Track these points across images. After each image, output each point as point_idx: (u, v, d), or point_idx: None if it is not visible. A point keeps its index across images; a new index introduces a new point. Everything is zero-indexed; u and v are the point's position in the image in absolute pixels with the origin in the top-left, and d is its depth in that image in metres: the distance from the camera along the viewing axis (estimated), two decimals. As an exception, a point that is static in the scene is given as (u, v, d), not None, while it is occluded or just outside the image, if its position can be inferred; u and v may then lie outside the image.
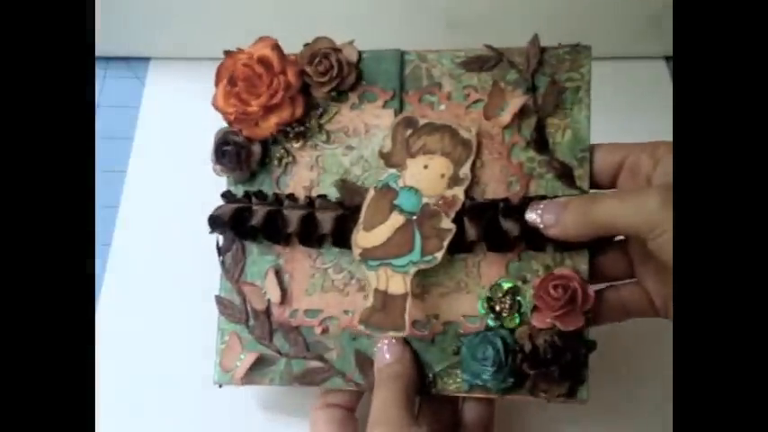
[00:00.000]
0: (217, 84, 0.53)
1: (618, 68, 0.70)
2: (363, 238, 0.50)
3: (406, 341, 0.50)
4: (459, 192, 0.49)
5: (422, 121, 0.51)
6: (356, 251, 0.50)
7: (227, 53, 0.52)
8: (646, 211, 0.42)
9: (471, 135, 0.50)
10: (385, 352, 0.50)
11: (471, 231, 0.49)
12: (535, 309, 0.49)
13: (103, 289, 0.67)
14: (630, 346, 0.60)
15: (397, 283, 0.49)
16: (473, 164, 0.50)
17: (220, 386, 0.53)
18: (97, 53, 0.48)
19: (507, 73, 0.51)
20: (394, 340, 0.50)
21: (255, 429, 0.60)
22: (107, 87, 0.77)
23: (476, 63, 0.51)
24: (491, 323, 0.49)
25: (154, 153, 0.73)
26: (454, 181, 0.50)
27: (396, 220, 0.50)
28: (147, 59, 0.79)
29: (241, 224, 0.52)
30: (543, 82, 0.50)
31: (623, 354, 0.60)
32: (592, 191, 0.50)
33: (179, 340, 0.57)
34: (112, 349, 0.63)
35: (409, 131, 0.51)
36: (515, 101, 0.50)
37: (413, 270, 0.49)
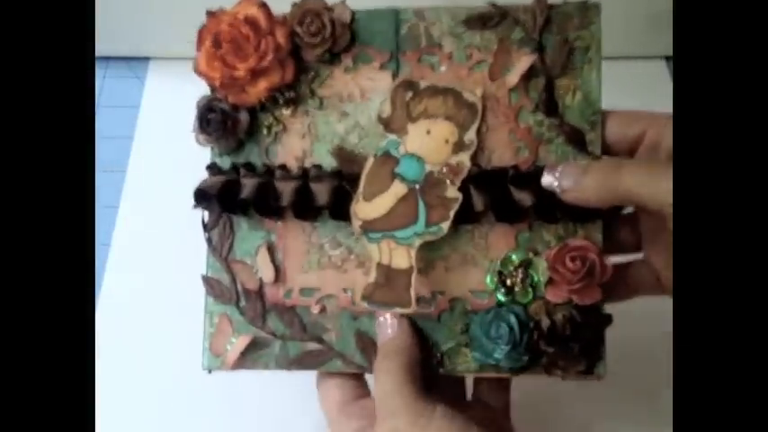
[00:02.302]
0: (199, 47, 0.49)
1: (618, 68, 0.70)
2: (363, 208, 0.47)
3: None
4: (464, 158, 0.47)
5: (423, 84, 0.48)
6: (356, 223, 0.47)
7: (210, 14, 0.49)
8: (667, 184, 0.40)
9: (476, 98, 0.47)
10: (387, 327, 0.47)
11: (478, 201, 0.46)
12: (550, 282, 0.46)
13: (103, 289, 0.68)
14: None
15: (401, 257, 0.47)
16: (479, 128, 0.47)
17: (210, 372, 0.50)
18: (97, 53, 0.49)
19: (512, 31, 0.48)
20: (390, 315, 0.47)
21: (256, 428, 0.57)
22: (107, 87, 0.78)
23: (478, 21, 0.48)
24: (501, 298, 0.47)
25: (154, 153, 0.74)
26: (459, 146, 0.47)
27: (398, 189, 0.47)
28: (147, 59, 0.80)
29: (230, 198, 0.49)
30: (551, 41, 0.48)
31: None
32: (604, 157, 0.47)
33: (179, 340, 0.56)
34: (112, 349, 0.64)
35: (410, 95, 0.48)
36: (523, 60, 0.47)
37: (417, 242, 0.46)
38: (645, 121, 0.47)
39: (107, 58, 0.79)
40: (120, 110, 0.77)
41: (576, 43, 0.48)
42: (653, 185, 0.41)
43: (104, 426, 0.58)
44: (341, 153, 0.49)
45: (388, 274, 0.47)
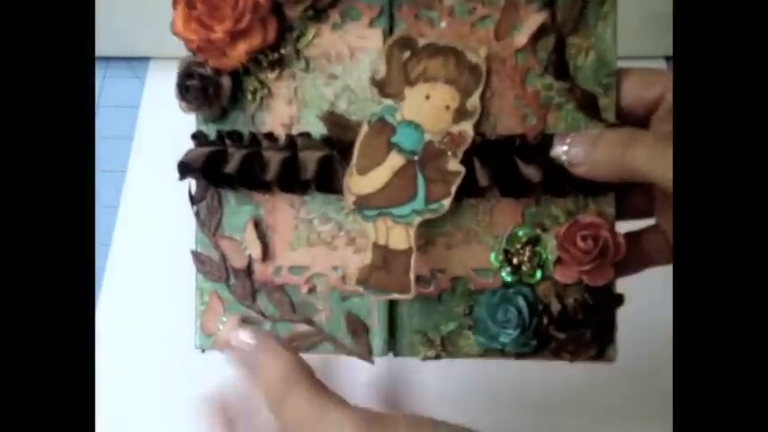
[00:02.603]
0: (174, 5, 0.45)
1: None
2: (357, 183, 0.43)
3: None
4: (467, 127, 0.43)
5: (421, 42, 0.43)
6: (350, 198, 0.44)
7: (181, -30, 0.44)
8: None
9: (480, 59, 0.43)
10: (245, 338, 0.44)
11: (483, 176, 0.43)
12: (559, 261, 0.43)
13: (103, 289, 0.69)
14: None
15: (399, 237, 0.43)
16: (482, 93, 0.43)
17: (203, 351, 0.48)
18: (97, 53, 0.49)
19: (520, -18, 0.43)
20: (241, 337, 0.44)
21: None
22: (107, 87, 0.79)
23: (482, -30, 0.43)
24: (507, 278, 0.44)
25: (154, 153, 0.74)
26: (461, 114, 0.43)
27: (394, 160, 0.43)
28: (147, 59, 0.81)
29: (215, 170, 0.45)
30: (562, -6, 0.43)
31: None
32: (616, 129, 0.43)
33: (179, 340, 0.54)
34: (112, 349, 0.65)
35: (407, 54, 0.43)
36: (533, 18, 0.43)
37: (417, 220, 0.43)
38: (663, 82, 0.43)
39: (107, 58, 0.79)
40: (120, 110, 0.78)
41: (589, -4, 0.43)
42: (663, 164, 0.38)
43: (104, 425, 0.57)
44: (331, 118, 0.44)
45: (385, 256, 0.43)
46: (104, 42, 0.66)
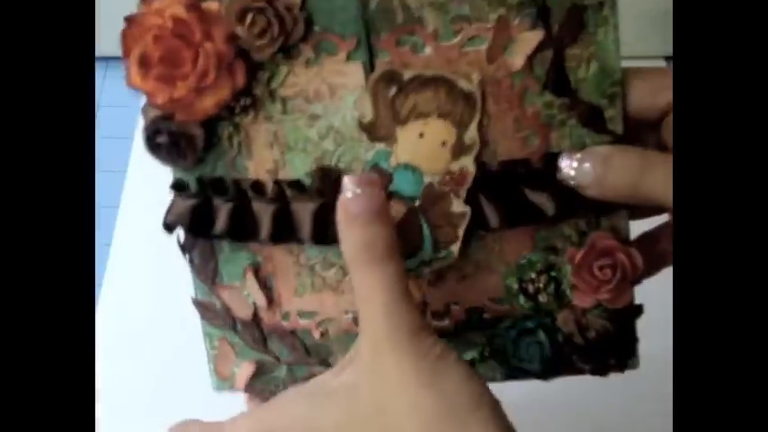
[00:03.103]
0: (125, 56, 0.40)
1: None
2: (359, 237, 0.41)
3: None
4: (467, 162, 0.40)
5: (407, 74, 0.39)
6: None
7: (129, 20, 0.39)
8: None
9: (473, 86, 0.39)
10: (361, 203, 0.38)
11: (492, 215, 0.40)
12: (575, 287, 0.42)
13: (103, 289, 0.69)
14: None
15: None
16: (480, 121, 0.40)
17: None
18: (97, 53, 0.45)
19: (508, -7, 0.39)
20: (374, 189, 0.38)
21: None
22: (107, 87, 0.85)
23: (465, -15, 0.39)
24: (524, 304, 0.42)
25: None
26: (459, 149, 0.40)
27: (395, 210, 0.41)
28: None
29: (202, 226, 0.42)
30: (557, 2, 0.39)
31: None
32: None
33: (179, 340, 0.54)
34: (112, 349, 0.65)
35: (393, 90, 0.40)
36: (528, 38, 0.39)
37: (426, 272, 0.41)
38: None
39: (107, 58, 0.80)
40: (120, 110, 0.80)
41: (586, 0, 0.39)
42: None
43: (104, 425, 0.58)
44: (321, 173, 0.41)
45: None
46: (104, 42, 0.64)
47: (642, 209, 0.44)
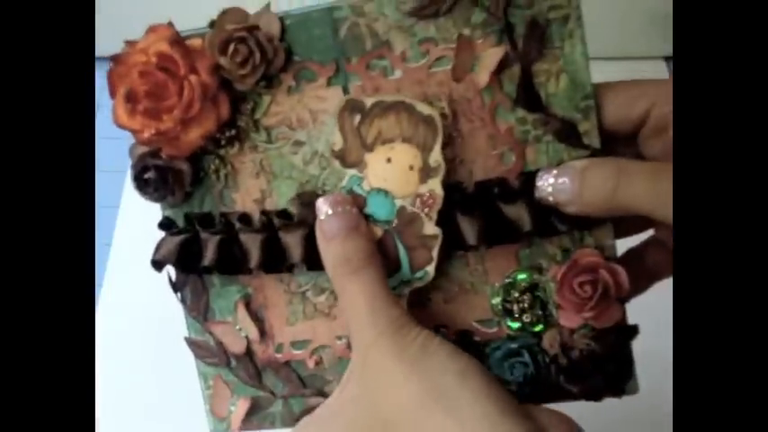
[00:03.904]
0: (112, 95, 0.43)
1: (618, 68, 0.67)
2: (340, 261, 0.42)
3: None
4: (435, 185, 0.41)
5: (368, 102, 0.41)
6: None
7: (114, 59, 0.42)
8: None
9: (431, 109, 0.40)
10: (335, 226, 0.40)
11: (469, 233, 0.40)
12: (560, 307, 0.41)
13: (103, 289, 0.70)
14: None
15: (393, 310, 0.41)
16: (452, 140, 0.41)
17: None
18: (97, 53, 0.48)
19: (471, 14, 0.40)
20: (346, 208, 0.41)
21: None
22: (107, 87, 0.78)
23: (428, 8, 0.41)
24: (512, 325, 0.42)
25: None
26: (426, 172, 0.41)
27: (372, 232, 0.41)
28: None
29: (191, 261, 0.44)
30: (520, 18, 0.40)
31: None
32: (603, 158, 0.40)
33: (179, 340, 0.54)
34: (112, 349, 0.66)
35: (358, 118, 0.41)
36: (490, 54, 0.40)
37: (406, 291, 0.41)
38: (648, 97, 0.40)
39: (107, 58, 0.78)
40: None
41: (550, 15, 0.39)
42: (659, 201, 0.36)
43: (104, 425, 0.59)
44: (302, 199, 0.42)
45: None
46: (104, 42, 0.64)
47: (628, 225, 0.43)
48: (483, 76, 0.40)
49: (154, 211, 0.49)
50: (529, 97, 0.40)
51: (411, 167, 0.41)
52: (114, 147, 0.73)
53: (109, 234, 0.73)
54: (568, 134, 0.40)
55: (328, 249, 0.40)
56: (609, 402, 0.42)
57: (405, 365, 0.37)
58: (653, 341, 0.44)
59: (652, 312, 0.46)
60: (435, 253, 0.41)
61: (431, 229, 0.41)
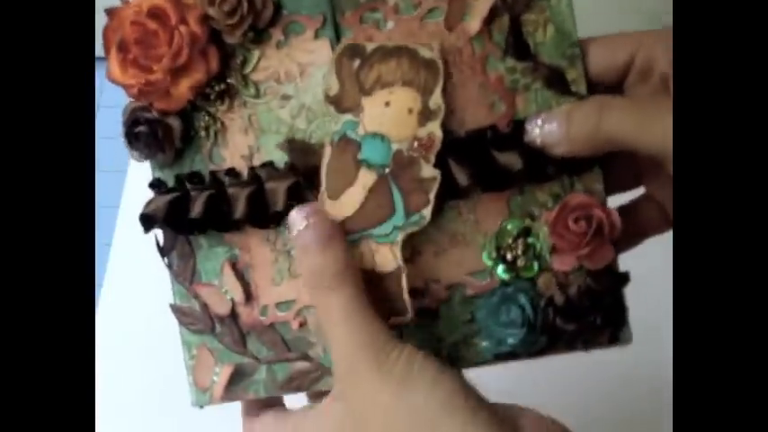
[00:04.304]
0: (107, 52, 0.43)
1: None
2: (332, 208, 0.42)
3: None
4: (434, 127, 0.41)
5: (369, 47, 0.42)
6: (326, 226, 0.41)
7: (109, 12, 0.42)
8: (663, 126, 0.37)
9: (434, 53, 0.41)
10: (309, 242, 0.40)
11: (461, 175, 0.41)
12: (555, 249, 0.41)
13: (103, 289, 0.71)
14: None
15: (385, 257, 0.42)
16: (444, 88, 0.41)
17: (201, 407, 0.46)
18: (97, 53, 0.48)
19: (462, -34, 0.42)
20: (317, 219, 0.40)
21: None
22: (107, 87, 0.84)
23: (421, -40, 0.42)
24: (504, 275, 0.42)
25: None
26: (425, 115, 0.41)
27: (365, 178, 0.42)
28: None
29: (180, 218, 0.43)
30: (509, -31, 0.41)
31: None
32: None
33: (179, 340, 0.53)
34: (112, 349, 0.66)
35: (357, 62, 0.42)
36: (482, 2, 0.41)
37: (400, 237, 0.41)
38: (631, 43, 0.41)
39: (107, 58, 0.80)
40: (120, 110, 0.80)
41: (537, -33, 0.41)
42: (643, 129, 0.38)
43: (104, 426, 0.57)
44: (292, 145, 0.42)
45: (374, 280, 0.41)
46: None
47: (617, 178, 0.44)
48: (475, 23, 0.41)
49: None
50: (518, 46, 0.42)
51: (410, 111, 0.41)
52: (114, 147, 0.73)
53: (109, 234, 0.74)
54: (556, 81, 0.42)
55: (304, 262, 0.40)
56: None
57: (388, 394, 0.37)
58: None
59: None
60: (432, 195, 0.41)
61: (429, 171, 0.41)
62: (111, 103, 0.78)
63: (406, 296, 0.41)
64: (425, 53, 0.41)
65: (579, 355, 0.42)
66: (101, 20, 0.44)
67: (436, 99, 0.41)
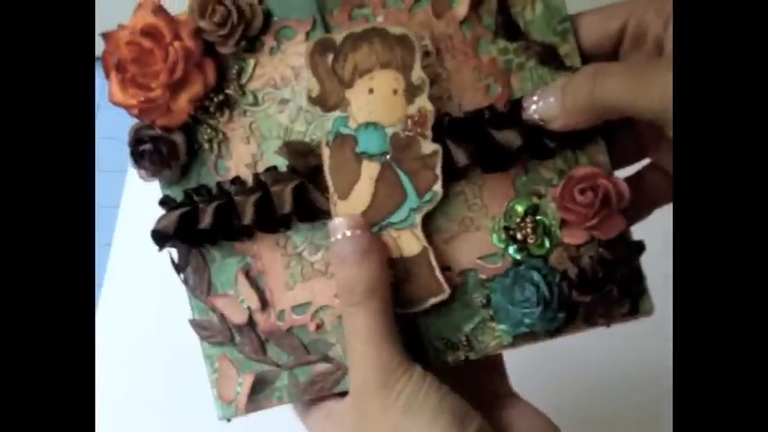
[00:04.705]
0: (107, 75, 0.44)
1: None
2: (344, 208, 0.42)
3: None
4: (422, 102, 0.41)
5: (338, 38, 0.42)
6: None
7: (106, 36, 0.43)
8: (659, 89, 0.36)
9: (402, 29, 0.41)
10: (349, 249, 0.41)
11: (460, 154, 0.41)
12: (564, 224, 0.41)
13: (103, 289, 0.71)
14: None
15: (409, 242, 0.42)
16: (438, 74, 0.42)
17: (229, 420, 0.46)
18: (97, 53, 0.49)
19: (445, -48, 0.42)
20: (358, 231, 0.41)
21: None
22: (107, 87, 0.81)
23: (403, -50, 0.43)
24: (516, 256, 0.42)
25: None
26: (411, 92, 0.41)
27: (369, 170, 0.42)
28: None
29: (190, 231, 0.44)
30: (492, -49, 0.42)
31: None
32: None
33: (179, 340, 0.54)
34: (112, 349, 0.66)
35: (330, 57, 0.42)
36: (468, -15, 0.41)
37: (418, 218, 0.42)
38: (623, 10, 0.41)
39: None
40: (120, 110, 0.81)
41: (520, -54, 0.42)
42: (638, 93, 0.37)
43: (104, 426, 0.57)
44: (289, 148, 0.43)
45: (404, 267, 0.42)
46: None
47: (621, 152, 0.43)
48: (462, 8, 0.42)
49: (154, 211, 0.50)
50: (508, 27, 0.42)
51: (395, 91, 0.41)
52: (114, 147, 0.74)
53: (109, 234, 0.74)
54: (550, 57, 0.42)
55: (339, 272, 0.41)
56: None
57: (394, 415, 0.39)
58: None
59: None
60: (439, 170, 0.41)
61: (429, 146, 0.41)
62: (111, 104, 0.79)
63: (438, 274, 0.41)
64: (395, 30, 0.41)
65: (579, 353, 0.42)
66: (101, 20, 0.45)
67: (418, 73, 0.41)
